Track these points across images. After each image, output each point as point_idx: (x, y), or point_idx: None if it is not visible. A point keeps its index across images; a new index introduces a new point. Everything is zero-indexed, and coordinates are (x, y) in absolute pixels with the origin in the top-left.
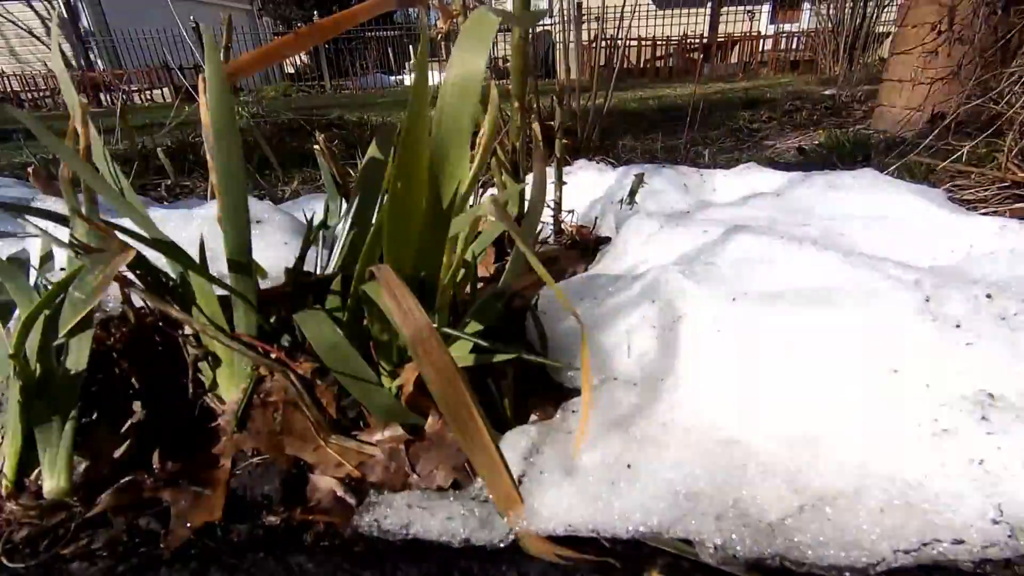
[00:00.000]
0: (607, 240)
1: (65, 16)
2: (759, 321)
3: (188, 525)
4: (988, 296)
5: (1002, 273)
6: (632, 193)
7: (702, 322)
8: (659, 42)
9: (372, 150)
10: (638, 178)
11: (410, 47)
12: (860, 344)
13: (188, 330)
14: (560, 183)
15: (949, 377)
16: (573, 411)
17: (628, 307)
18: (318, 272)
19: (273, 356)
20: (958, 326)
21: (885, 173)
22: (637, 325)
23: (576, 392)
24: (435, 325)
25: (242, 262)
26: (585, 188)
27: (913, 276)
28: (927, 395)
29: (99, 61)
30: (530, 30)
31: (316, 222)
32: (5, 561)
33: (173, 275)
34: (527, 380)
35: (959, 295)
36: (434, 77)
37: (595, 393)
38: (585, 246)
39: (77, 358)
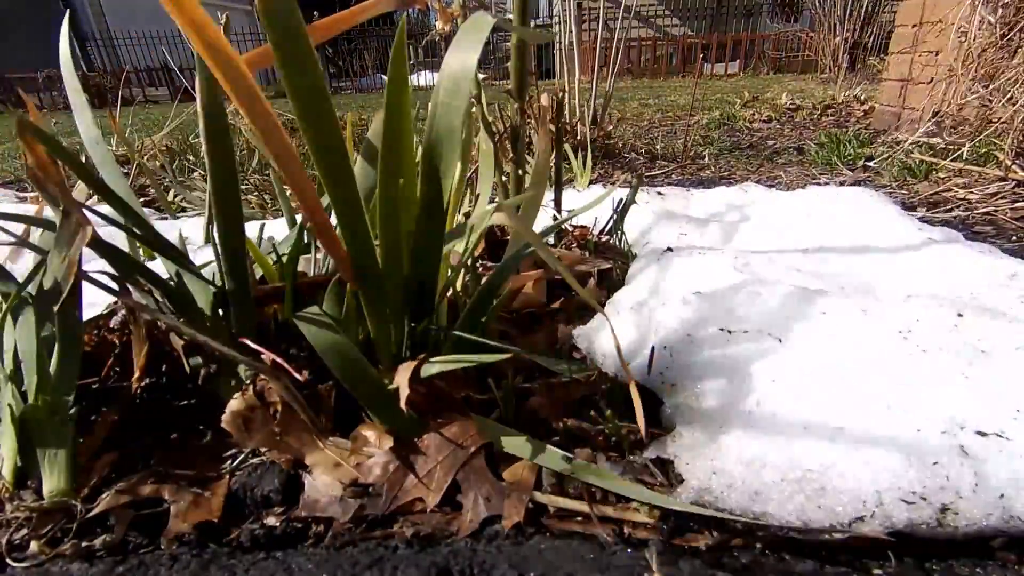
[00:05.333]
0: (607, 242)
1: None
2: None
3: (188, 525)
4: (959, 315)
5: (980, 292)
6: (632, 194)
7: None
8: (659, 41)
9: (363, 148)
10: (638, 179)
11: (409, 47)
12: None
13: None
14: (560, 183)
15: (925, 403)
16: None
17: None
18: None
19: (267, 360)
20: (925, 351)
21: (885, 174)
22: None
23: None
24: (434, 326)
25: (236, 265)
26: (589, 198)
27: (892, 303)
28: (905, 419)
29: (99, 61)
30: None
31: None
32: (6, 561)
33: (168, 277)
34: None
35: (937, 322)
36: (431, 78)
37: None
38: (586, 247)
39: (70, 358)
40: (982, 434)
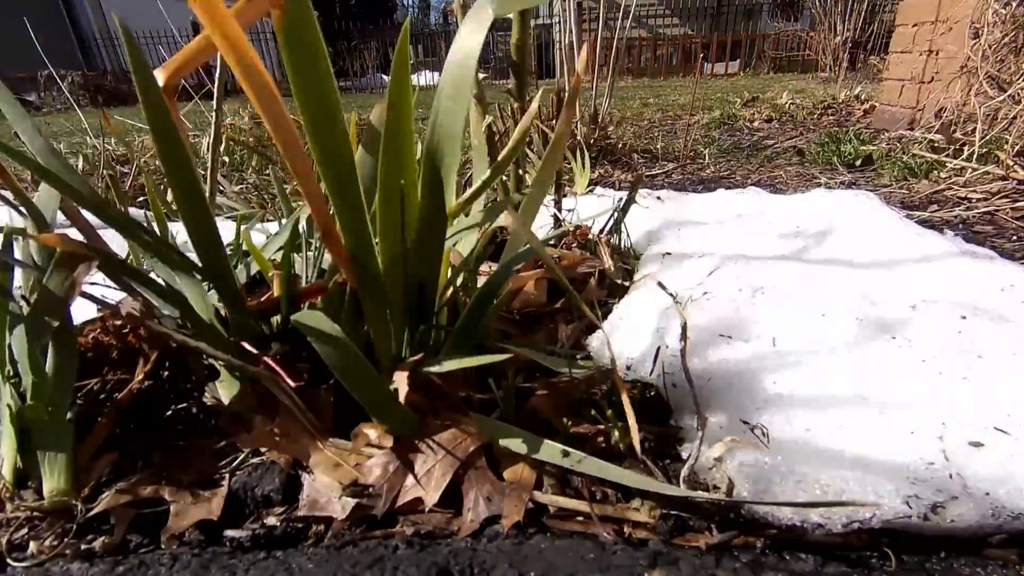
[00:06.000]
0: (607, 242)
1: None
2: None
3: (188, 525)
4: (963, 317)
5: (980, 297)
6: (632, 193)
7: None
8: (659, 41)
9: (362, 149)
10: (637, 178)
11: (409, 48)
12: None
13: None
14: (560, 183)
15: (924, 406)
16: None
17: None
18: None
19: (261, 364)
20: (924, 360)
21: (885, 173)
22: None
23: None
24: (435, 326)
25: (217, 270)
26: (590, 206)
27: (891, 308)
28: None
29: (100, 61)
30: (530, 30)
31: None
32: (6, 561)
33: (165, 281)
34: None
35: (936, 326)
36: (431, 78)
37: None
38: (587, 247)
39: (67, 360)
40: (977, 439)
